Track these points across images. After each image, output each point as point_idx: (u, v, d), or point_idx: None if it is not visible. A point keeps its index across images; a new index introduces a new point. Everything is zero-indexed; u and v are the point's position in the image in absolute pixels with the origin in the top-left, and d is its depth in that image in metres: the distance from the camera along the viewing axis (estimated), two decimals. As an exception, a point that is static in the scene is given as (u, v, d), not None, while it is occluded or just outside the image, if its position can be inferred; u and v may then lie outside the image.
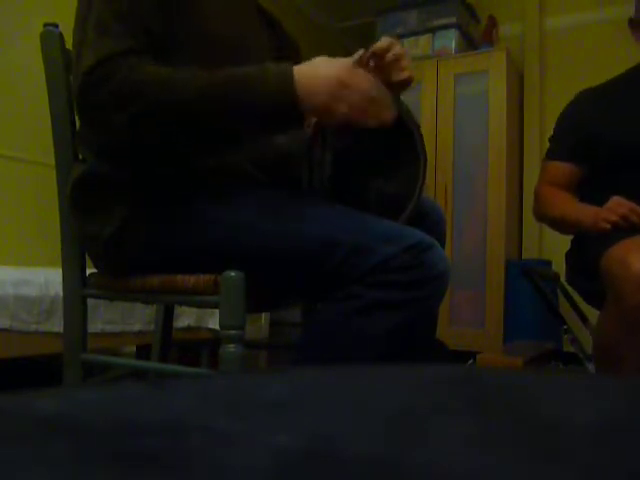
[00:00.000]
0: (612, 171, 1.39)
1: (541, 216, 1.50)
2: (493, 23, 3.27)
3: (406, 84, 0.85)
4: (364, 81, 0.79)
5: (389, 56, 0.82)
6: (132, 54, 0.78)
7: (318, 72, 0.78)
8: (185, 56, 0.84)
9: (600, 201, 1.32)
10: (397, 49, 0.83)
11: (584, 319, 1.68)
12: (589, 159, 1.42)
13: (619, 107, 1.40)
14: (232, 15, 0.95)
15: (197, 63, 0.80)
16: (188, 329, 1.97)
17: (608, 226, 1.26)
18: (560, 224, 1.45)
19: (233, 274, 0.83)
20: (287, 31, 1.13)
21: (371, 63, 0.83)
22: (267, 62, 0.80)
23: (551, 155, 1.50)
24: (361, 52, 0.82)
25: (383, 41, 0.83)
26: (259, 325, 2.97)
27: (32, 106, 2.10)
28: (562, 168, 1.46)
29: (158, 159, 0.86)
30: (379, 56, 0.82)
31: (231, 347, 0.83)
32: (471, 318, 2.94)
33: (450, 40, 3.15)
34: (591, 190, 1.44)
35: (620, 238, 1.18)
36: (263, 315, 2.93)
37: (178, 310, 1.83)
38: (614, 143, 1.37)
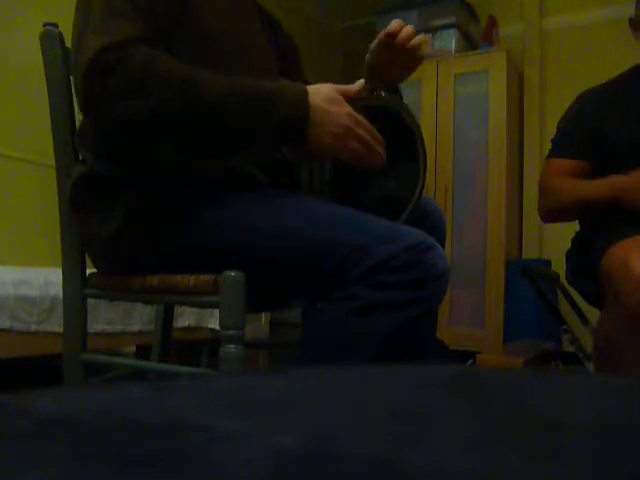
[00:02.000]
0: (616, 169, 1.38)
1: (550, 208, 1.44)
2: (493, 23, 3.27)
3: (418, 61, 0.99)
4: (364, 123, 0.83)
5: (401, 36, 0.94)
6: (145, 42, 0.76)
7: (329, 111, 0.81)
8: (185, 53, 0.84)
9: None
10: (405, 30, 0.96)
11: (584, 319, 1.68)
12: (592, 157, 1.42)
13: (622, 105, 1.40)
14: (232, 14, 0.95)
15: (197, 61, 0.80)
16: (188, 329, 1.97)
17: None
18: (575, 208, 1.39)
19: (233, 274, 0.83)
20: (286, 31, 1.13)
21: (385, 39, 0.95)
22: (282, 82, 0.83)
23: (553, 154, 1.49)
24: (362, 81, 0.88)
25: (394, 23, 0.96)
26: (259, 325, 2.96)
27: (32, 106, 2.10)
28: (567, 163, 1.45)
29: (156, 160, 0.86)
30: (392, 35, 0.94)
31: (231, 347, 0.83)
32: (471, 318, 2.94)
33: (450, 40, 3.15)
34: None
35: (620, 238, 1.18)
36: (263, 315, 2.93)
37: (178, 310, 1.83)
38: (617, 141, 1.36)
